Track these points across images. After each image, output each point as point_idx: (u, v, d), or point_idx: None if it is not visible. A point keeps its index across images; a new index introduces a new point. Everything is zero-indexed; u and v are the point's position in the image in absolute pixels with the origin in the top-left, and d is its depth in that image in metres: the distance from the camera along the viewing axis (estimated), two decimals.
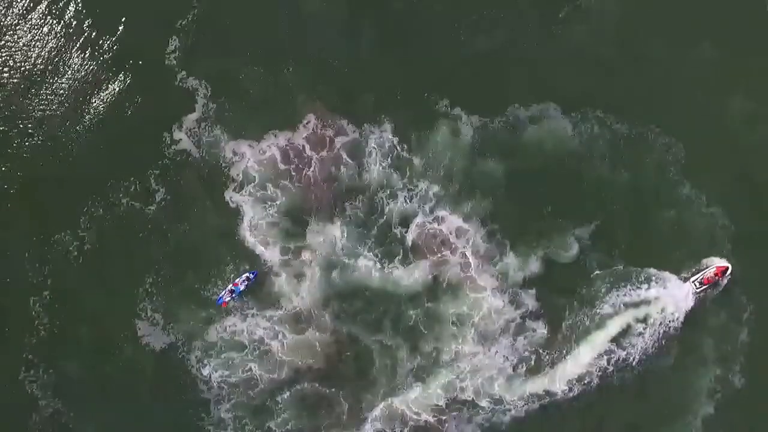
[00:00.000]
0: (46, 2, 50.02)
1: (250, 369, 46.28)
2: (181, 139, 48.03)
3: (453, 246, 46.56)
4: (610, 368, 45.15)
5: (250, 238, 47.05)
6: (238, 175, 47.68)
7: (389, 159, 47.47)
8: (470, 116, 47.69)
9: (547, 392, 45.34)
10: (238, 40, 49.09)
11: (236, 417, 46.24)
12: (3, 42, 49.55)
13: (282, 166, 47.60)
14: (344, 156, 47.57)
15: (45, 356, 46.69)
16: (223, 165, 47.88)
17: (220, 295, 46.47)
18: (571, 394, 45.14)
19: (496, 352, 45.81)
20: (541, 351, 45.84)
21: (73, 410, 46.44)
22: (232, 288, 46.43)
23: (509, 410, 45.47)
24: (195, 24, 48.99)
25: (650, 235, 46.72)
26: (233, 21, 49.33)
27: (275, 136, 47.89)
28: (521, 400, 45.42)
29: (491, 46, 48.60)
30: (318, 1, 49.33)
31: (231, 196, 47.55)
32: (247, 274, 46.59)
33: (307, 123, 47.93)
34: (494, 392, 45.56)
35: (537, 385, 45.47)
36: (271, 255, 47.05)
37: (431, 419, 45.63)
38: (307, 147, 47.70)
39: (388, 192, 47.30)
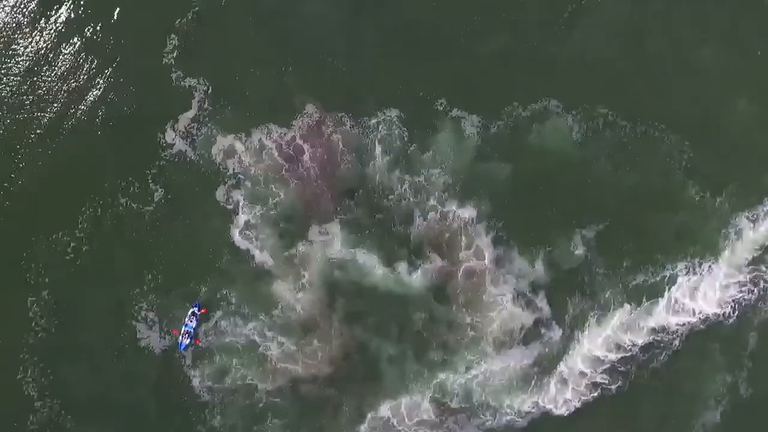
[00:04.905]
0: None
1: (246, 375, 45.86)
2: (177, 139, 47.84)
3: (462, 245, 45.91)
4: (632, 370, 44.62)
5: (245, 239, 46.67)
6: (234, 171, 47.45)
7: (390, 156, 47.01)
8: (472, 116, 47.21)
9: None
10: (237, 39, 48.93)
11: (233, 422, 45.88)
12: None
13: (279, 163, 47.27)
14: (344, 153, 47.19)
15: (43, 357, 46.56)
16: (221, 164, 47.66)
17: (180, 342, 45.91)
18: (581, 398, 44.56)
19: (523, 362, 45.12)
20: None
21: (71, 412, 46.28)
22: (187, 330, 45.85)
23: (518, 419, 44.86)
24: (194, 23, 48.90)
25: (656, 234, 45.98)
26: (232, 20, 49.13)
27: (272, 132, 47.64)
28: (530, 408, 44.80)
29: (494, 46, 48.14)
30: (317, 1, 49.08)
31: (227, 195, 47.27)
32: (192, 310, 45.99)
33: (304, 119, 47.60)
34: (504, 401, 44.93)
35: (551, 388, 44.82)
36: (268, 255, 46.61)
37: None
38: (306, 143, 47.35)
39: (389, 188, 46.85)
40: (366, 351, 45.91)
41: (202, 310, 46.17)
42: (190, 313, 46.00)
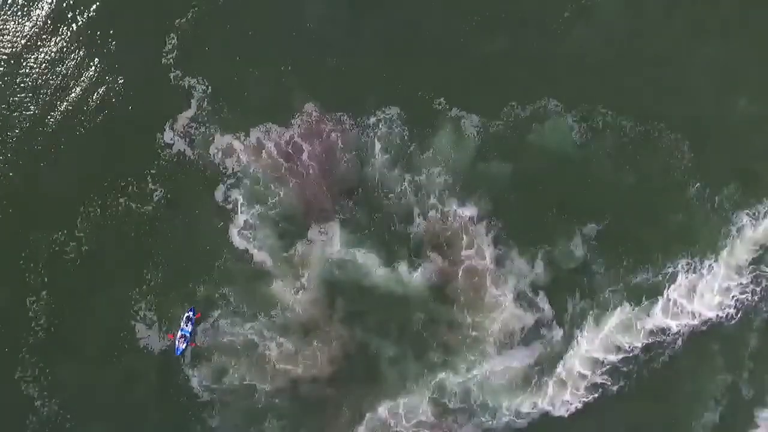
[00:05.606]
0: None
1: (245, 376, 45.77)
2: (176, 138, 47.91)
3: (463, 244, 45.76)
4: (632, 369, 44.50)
5: (244, 239, 46.62)
6: (233, 171, 47.43)
7: (389, 154, 46.95)
8: (472, 115, 47.17)
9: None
10: (236, 39, 48.96)
11: (233, 422, 45.82)
12: None
13: (278, 162, 47.23)
14: (342, 152, 47.13)
15: (43, 357, 46.53)
16: (220, 163, 47.66)
17: (177, 347, 45.83)
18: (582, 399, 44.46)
19: (524, 362, 44.97)
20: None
21: (70, 411, 46.25)
22: (183, 335, 45.80)
23: (517, 420, 44.70)
24: (194, 23, 48.99)
25: (656, 233, 45.83)
26: (232, 20, 49.23)
27: (271, 131, 47.65)
28: (529, 409, 44.66)
29: (494, 46, 48.14)
30: (317, 1, 49.13)
31: (226, 195, 47.25)
32: (187, 314, 45.99)
33: (303, 118, 47.54)
34: (503, 401, 44.77)
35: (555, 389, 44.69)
36: (267, 255, 46.56)
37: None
38: (305, 142, 47.29)
39: (389, 187, 46.76)
40: (366, 351, 45.79)
41: (197, 315, 46.11)
42: (185, 317, 45.97)
